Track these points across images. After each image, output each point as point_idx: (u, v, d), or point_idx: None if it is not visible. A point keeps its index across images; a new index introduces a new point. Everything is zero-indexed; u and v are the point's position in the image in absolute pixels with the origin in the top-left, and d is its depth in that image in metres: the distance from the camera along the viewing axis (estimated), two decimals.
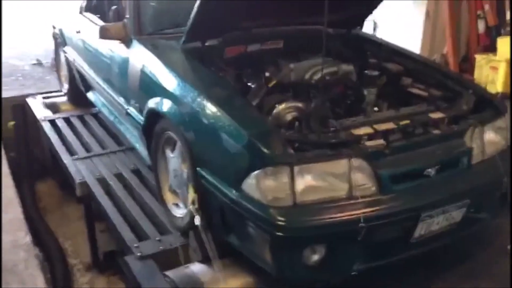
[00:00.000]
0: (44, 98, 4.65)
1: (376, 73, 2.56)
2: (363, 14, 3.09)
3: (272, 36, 2.84)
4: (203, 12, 2.36)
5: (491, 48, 5.48)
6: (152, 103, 2.50)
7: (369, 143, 2.03)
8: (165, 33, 2.88)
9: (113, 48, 3.06)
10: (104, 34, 2.86)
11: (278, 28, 2.89)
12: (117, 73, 3.04)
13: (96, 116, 4.13)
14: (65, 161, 3.42)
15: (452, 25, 5.55)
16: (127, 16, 2.90)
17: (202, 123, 2.17)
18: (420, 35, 5.71)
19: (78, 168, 3.28)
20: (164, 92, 2.44)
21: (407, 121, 2.17)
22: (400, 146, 2.08)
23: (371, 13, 3.10)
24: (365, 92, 2.47)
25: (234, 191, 1.97)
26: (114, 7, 3.30)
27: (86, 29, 3.57)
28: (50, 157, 4.29)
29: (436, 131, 2.19)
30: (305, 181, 1.90)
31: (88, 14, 3.67)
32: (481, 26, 5.69)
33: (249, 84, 2.48)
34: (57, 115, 4.22)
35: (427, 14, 5.66)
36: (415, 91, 2.56)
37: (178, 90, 2.36)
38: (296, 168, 1.88)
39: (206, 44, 2.64)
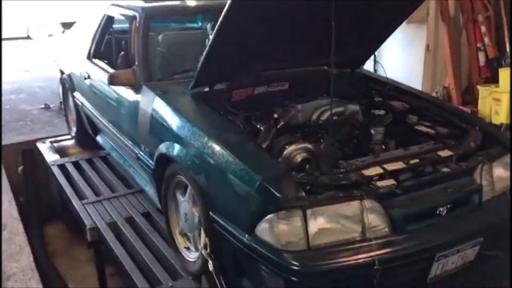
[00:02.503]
0: (52, 142, 4.70)
1: (382, 112, 2.60)
2: (366, 53, 3.15)
3: (278, 78, 2.89)
4: (212, 58, 2.41)
5: (493, 80, 5.56)
6: (162, 147, 2.53)
7: (380, 184, 2.04)
8: (174, 78, 2.94)
9: (122, 94, 3.12)
10: (114, 81, 2.93)
11: (283, 70, 2.95)
12: (126, 118, 3.09)
13: (105, 159, 4.17)
14: (75, 206, 3.43)
15: (453, 58, 5.64)
16: (136, 63, 2.97)
17: (213, 167, 2.19)
18: (421, 69, 5.80)
19: (88, 213, 3.29)
20: (174, 137, 2.48)
21: (416, 160, 2.19)
22: (411, 185, 2.09)
23: (374, 52, 3.17)
24: (372, 131, 2.51)
25: (247, 236, 1.97)
26: (122, 53, 3.39)
27: (95, 75, 3.64)
28: (59, 200, 4.31)
29: (446, 169, 2.20)
30: (318, 224, 1.90)
31: (96, 61, 3.75)
32: (481, 58, 5.79)
33: (258, 126, 2.52)
34: (66, 159, 4.25)
35: (427, 47, 5.76)
36: (422, 129, 2.59)
37: (188, 134, 2.39)
38: (308, 211, 1.88)
39: (214, 88, 2.69)
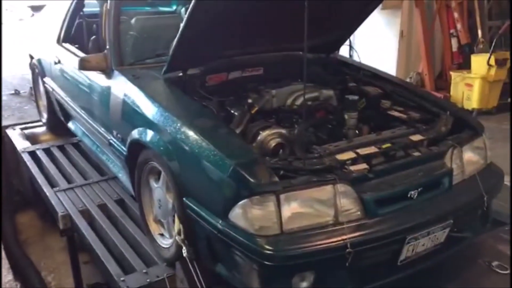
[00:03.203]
0: (22, 129, 4.59)
1: (356, 97, 2.61)
2: (341, 39, 3.15)
3: (252, 63, 2.87)
4: (185, 42, 2.37)
5: (465, 65, 5.66)
6: (135, 133, 2.49)
7: (352, 168, 2.05)
8: (146, 63, 2.89)
9: (93, 79, 3.05)
10: (84, 65, 2.85)
11: (258, 55, 2.93)
12: (98, 103, 3.03)
13: (77, 145, 4.09)
14: (46, 193, 3.37)
15: (426, 44, 5.72)
16: (108, 47, 2.90)
17: (186, 153, 2.17)
18: (395, 55, 5.86)
19: (60, 200, 3.23)
20: (146, 122, 2.44)
21: (389, 144, 2.21)
22: (383, 169, 2.12)
23: (348, 37, 3.18)
24: (346, 116, 2.52)
25: (220, 221, 1.97)
26: (93, 37, 3.31)
27: (66, 59, 3.55)
28: (31, 188, 4.22)
29: (417, 154, 2.23)
30: (291, 208, 1.91)
31: (67, 45, 3.66)
32: (454, 44, 5.88)
33: (232, 111, 2.50)
34: (37, 146, 4.16)
35: (401, 34, 5.82)
36: (394, 113, 2.61)
37: (161, 120, 2.36)
38: (282, 196, 1.88)
39: (188, 73, 2.66)
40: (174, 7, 3.96)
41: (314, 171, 2.00)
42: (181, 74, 2.65)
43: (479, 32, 5.74)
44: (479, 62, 5.26)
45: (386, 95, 2.80)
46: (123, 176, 2.95)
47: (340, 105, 2.69)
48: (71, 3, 3.74)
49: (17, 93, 5.92)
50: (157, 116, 2.39)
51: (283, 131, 2.30)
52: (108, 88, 2.83)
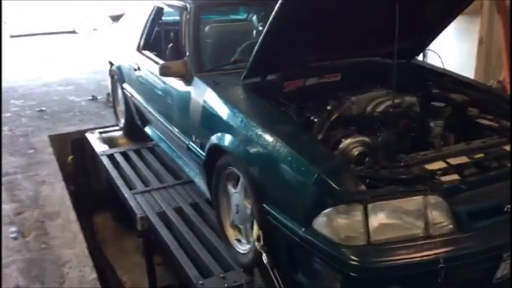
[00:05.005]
0: (101, 133, 4.79)
1: (442, 104, 2.50)
2: (422, 44, 3.04)
3: (329, 69, 2.83)
4: (265, 49, 2.38)
5: None
6: (214, 138, 2.52)
7: (444, 179, 1.95)
8: (224, 69, 2.93)
9: (173, 85, 3.12)
10: (165, 71, 2.93)
11: (335, 61, 2.88)
12: (177, 109, 3.10)
13: (152, 149, 4.21)
14: (125, 195, 3.48)
15: (508, 51, 5.40)
16: (187, 54, 2.97)
17: (267, 158, 2.16)
18: (473, 62, 5.58)
19: (138, 202, 3.33)
20: (226, 128, 2.46)
21: (481, 154, 2.09)
22: (476, 181, 1.99)
23: (430, 43, 3.06)
24: (432, 124, 2.41)
25: (303, 229, 1.93)
26: (170, 44, 3.40)
27: (145, 66, 3.68)
28: (107, 190, 4.39)
29: None
30: (379, 219, 1.84)
31: (146, 52, 3.78)
32: None
33: (312, 118, 2.47)
34: (115, 150, 4.32)
35: (480, 40, 5.54)
36: (484, 122, 2.47)
37: (241, 125, 2.36)
38: (369, 206, 1.82)
39: (266, 79, 2.66)
40: (244, 15, 4.00)
41: (402, 180, 1.92)
42: (259, 80, 2.65)
43: None
44: None
45: (472, 102, 2.66)
46: (199, 181, 2.99)
47: (423, 112, 2.58)
48: (151, 13, 3.86)
49: (94, 98, 6.20)
50: (237, 122, 2.40)
51: (366, 139, 2.23)
52: (188, 93, 2.89)
